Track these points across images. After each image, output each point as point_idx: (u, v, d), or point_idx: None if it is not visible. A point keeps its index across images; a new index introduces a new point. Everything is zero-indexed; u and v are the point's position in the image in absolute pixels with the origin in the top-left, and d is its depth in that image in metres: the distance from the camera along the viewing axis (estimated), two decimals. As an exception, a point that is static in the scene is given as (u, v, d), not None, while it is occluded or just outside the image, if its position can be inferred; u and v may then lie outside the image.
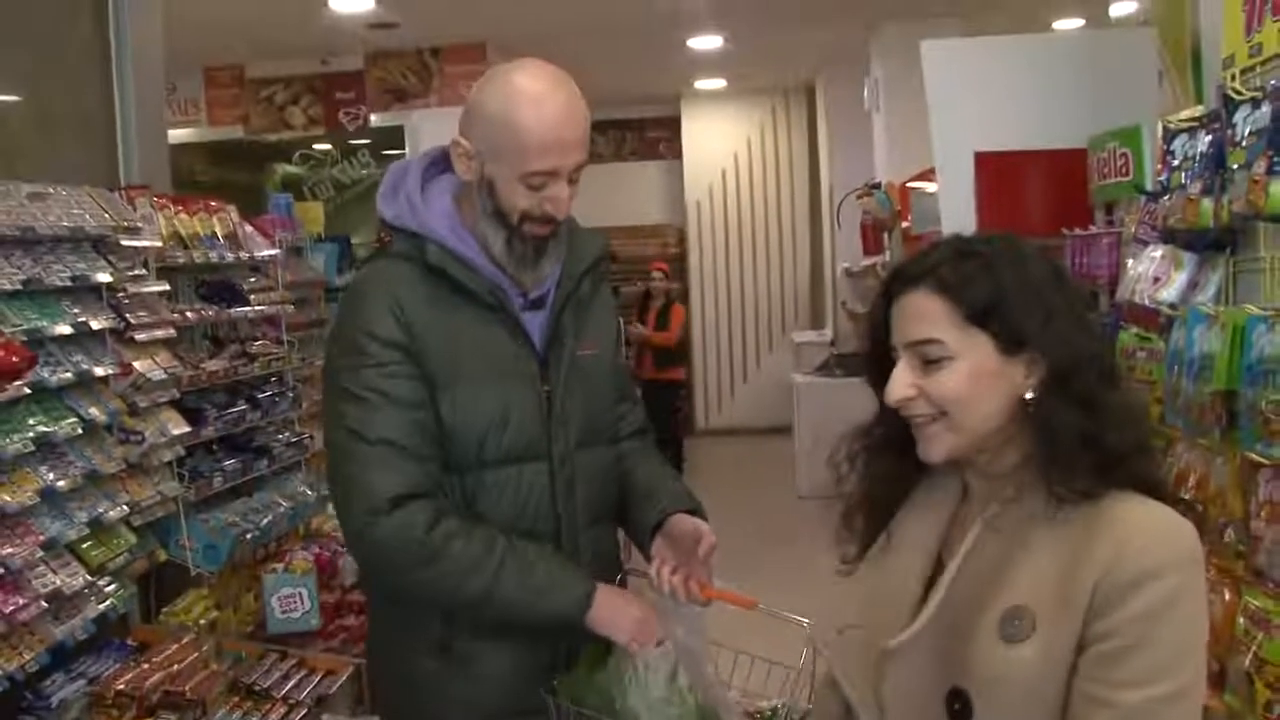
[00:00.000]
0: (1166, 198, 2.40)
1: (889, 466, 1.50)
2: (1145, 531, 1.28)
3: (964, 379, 1.35)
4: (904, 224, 6.85)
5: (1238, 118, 2.04)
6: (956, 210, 3.99)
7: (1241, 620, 2.01)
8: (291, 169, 9.25)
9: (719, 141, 11.90)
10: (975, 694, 1.32)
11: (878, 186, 7.81)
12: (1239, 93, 2.03)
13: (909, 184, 6.71)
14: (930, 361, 1.36)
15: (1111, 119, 3.35)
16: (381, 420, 1.84)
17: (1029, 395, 1.35)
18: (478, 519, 1.90)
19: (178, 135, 8.71)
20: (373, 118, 8.79)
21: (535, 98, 1.84)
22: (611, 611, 1.86)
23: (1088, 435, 1.31)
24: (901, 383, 1.38)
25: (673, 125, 12.07)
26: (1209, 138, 2.21)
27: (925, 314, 1.37)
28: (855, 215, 8.62)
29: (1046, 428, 1.34)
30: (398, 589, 1.94)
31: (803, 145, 11.83)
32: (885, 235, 7.99)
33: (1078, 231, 3.32)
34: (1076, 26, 7.94)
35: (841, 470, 1.54)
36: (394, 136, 8.87)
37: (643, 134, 12.32)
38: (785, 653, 1.81)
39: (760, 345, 12.06)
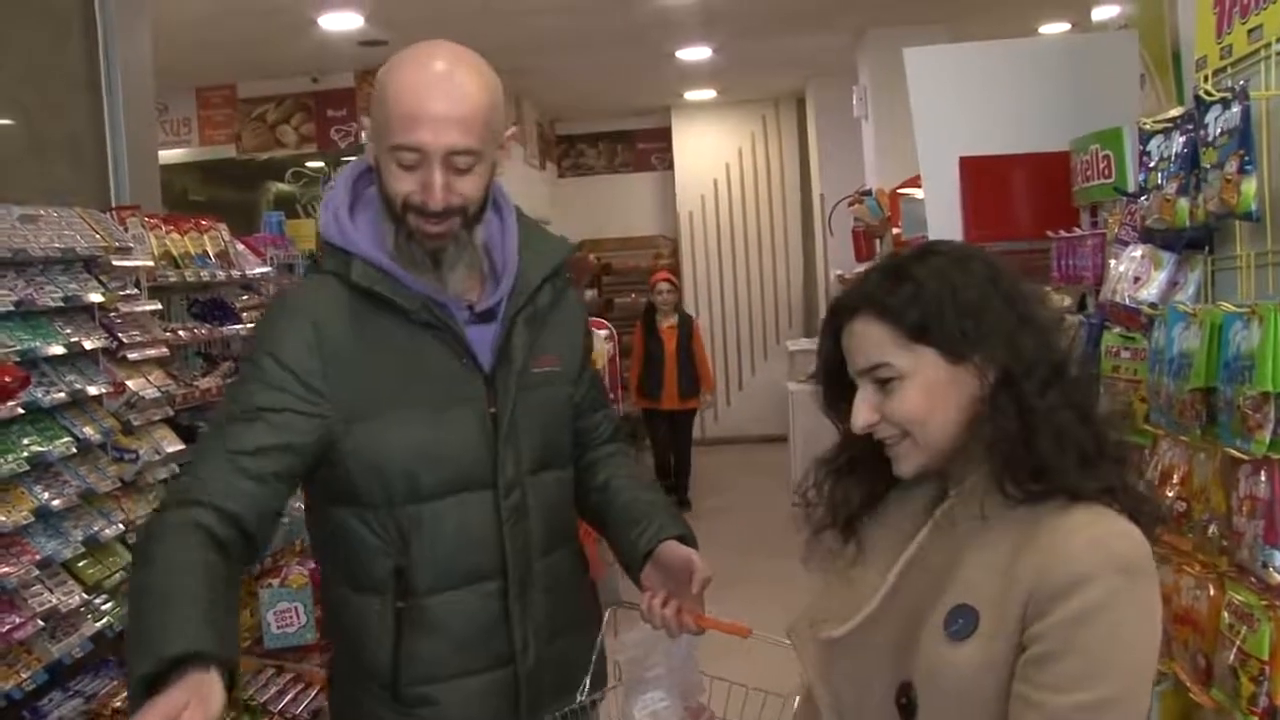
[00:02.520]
0: (1144, 198, 2.44)
1: (856, 487, 1.53)
2: (1077, 538, 1.29)
3: (919, 396, 1.38)
4: (894, 230, 6.87)
5: (1209, 118, 2.06)
6: (942, 215, 4.02)
7: (1226, 615, 2.03)
8: (284, 187, 9.28)
9: (710, 151, 11.95)
10: (920, 690, 1.35)
11: (868, 193, 7.84)
12: (1210, 94, 2.06)
13: (898, 190, 6.74)
14: (885, 383, 1.40)
15: (1094, 122, 3.37)
16: (239, 433, 1.70)
17: (979, 398, 1.38)
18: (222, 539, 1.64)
19: (170, 155, 8.75)
20: (364, 135, 8.82)
21: (412, 66, 1.71)
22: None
23: (1022, 439, 1.34)
24: (864, 409, 1.42)
25: (664, 136, 12.13)
26: (1183, 138, 2.24)
27: (871, 340, 1.40)
28: (847, 222, 8.65)
29: (988, 430, 1.36)
30: None
31: (794, 153, 11.88)
32: (877, 242, 8.02)
33: (1062, 234, 3.34)
34: (1061, 30, 8.00)
35: (810, 499, 1.56)
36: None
37: (634, 145, 12.38)
38: (779, 676, 1.76)
39: (755, 354, 12.10)
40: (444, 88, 1.69)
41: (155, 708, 1.32)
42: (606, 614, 1.90)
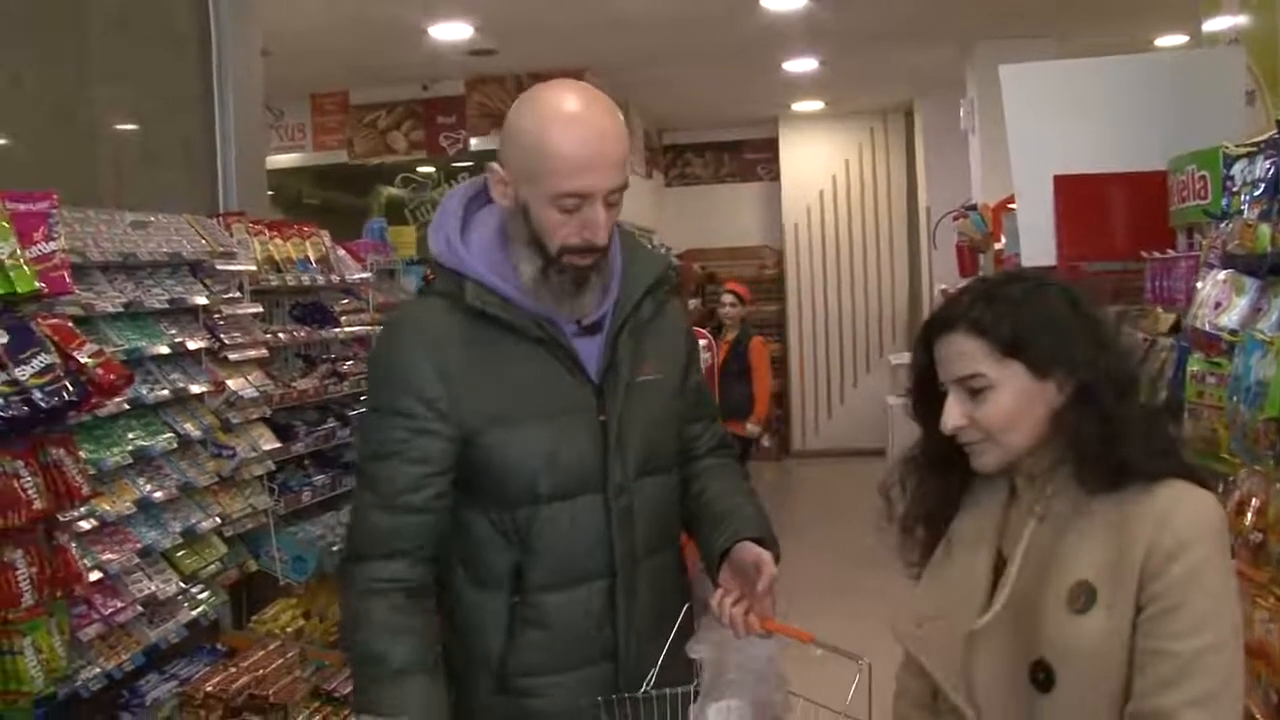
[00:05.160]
0: (1224, 223, 2.39)
1: (939, 481, 1.71)
2: (1177, 510, 1.50)
3: (1007, 404, 1.57)
4: (996, 245, 6.77)
5: (1289, 144, 2.03)
6: (1036, 234, 3.97)
7: (1298, 650, 1.99)
8: (394, 191, 9.50)
9: (817, 163, 11.90)
10: (1056, 663, 1.51)
11: (973, 208, 7.73)
12: (1286, 120, 2.03)
13: (1003, 205, 6.64)
14: (976, 392, 1.58)
15: (1195, 140, 3.29)
16: (390, 470, 1.86)
17: (1059, 409, 1.57)
18: (426, 608, 1.91)
19: (286, 160, 9.03)
20: (473, 142, 9.01)
21: (567, 117, 1.79)
22: None
23: (1105, 442, 1.53)
24: (954, 414, 1.60)
25: (770, 147, 12.10)
26: (1268, 163, 2.19)
27: (965, 352, 1.59)
28: (951, 236, 8.54)
29: (1072, 436, 1.56)
30: None
31: (901, 167, 11.77)
32: (980, 256, 7.90)
33: (1156, 255, 3.28)
34: (1177, 42, 7.79)
35: (893, 495, 1.75)
36: (494, 160, 9.06)
37: (740, 156, 12.38)
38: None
39: (858, 367, 12.00)
40: (601, 135, 1.80)
41: None
42: (683, 610, 1.96)
